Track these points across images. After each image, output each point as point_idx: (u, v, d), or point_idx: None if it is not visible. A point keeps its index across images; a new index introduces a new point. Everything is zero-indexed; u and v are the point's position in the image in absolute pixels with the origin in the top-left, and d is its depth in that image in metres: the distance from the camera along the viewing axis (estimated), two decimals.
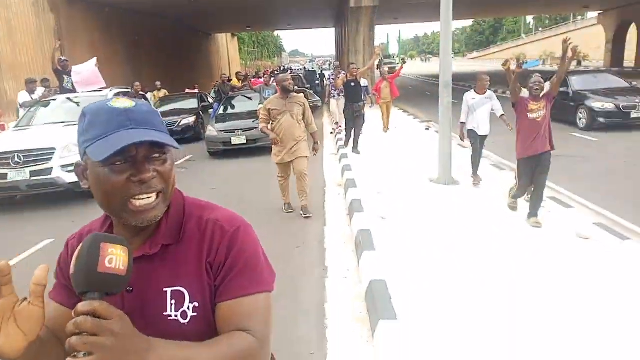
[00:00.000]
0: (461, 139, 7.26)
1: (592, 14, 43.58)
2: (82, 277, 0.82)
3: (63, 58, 9.92)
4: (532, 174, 5.16)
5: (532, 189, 5.28)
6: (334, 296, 4.06)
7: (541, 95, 5.03)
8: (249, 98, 12.64)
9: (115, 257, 0.83)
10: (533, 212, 5.19)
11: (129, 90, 9.42)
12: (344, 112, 10.59)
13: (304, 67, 46.96)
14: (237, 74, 18.12)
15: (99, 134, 0.94)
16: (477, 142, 7.00)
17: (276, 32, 79.23)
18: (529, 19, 73.50)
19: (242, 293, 1.00)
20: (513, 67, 5.88)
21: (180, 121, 13.56)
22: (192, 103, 15.14)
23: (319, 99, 16.68)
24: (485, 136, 7.03)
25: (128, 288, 0.96)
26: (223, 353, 0.93)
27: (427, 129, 12.80)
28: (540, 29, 67.04)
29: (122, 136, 0.92)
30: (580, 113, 11.63)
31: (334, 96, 13.47)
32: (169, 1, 20.73)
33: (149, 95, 15.33)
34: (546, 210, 5.49)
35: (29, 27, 15.34)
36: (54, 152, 7.35)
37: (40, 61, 15.44)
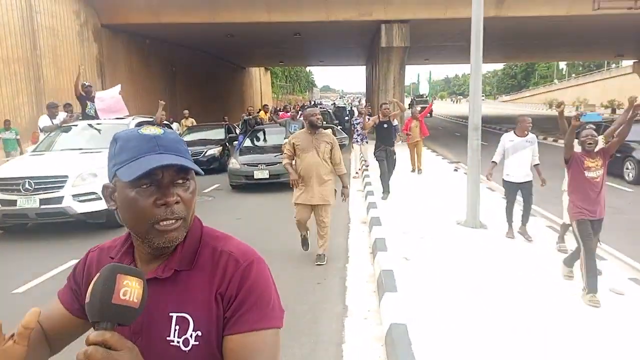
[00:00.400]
0: (487, 179, 6.87)
1: (628, 62, 43.06)
2: (95, 307, 0.84)
3: (87, 83, 9.81)
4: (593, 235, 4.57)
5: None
6: (353, 337, 3.95)
7: (595, 150, 4.58)
8: (274, 131, 12.37)
9: (130, 290, 0.85)
10: (592, 287, 4.35)
11: (153, 119, 9.41)
12: (375, 156, 9.52)
13: (334, 103, 47.52)
14: (264, 106, 18.32)
15: (129, 157, 0.99)
16: (513, 192, 6.43)
17: (308, 68, 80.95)
18: (562, 64, 73.11)
19: (252, 328, 1.00)
20: (570, 112, 5.31)
21: (206, 151, 13.69)
22: (219, 134, 15.27)
23: (346, 136, 16.06)
24: (526, 183, 6.32)
25: None
26: None
27: (455, 170, 12.67)
28: (574, 75, 66.54)
29: (151, 159, 0.98)
30: (629, 165, 11.03)
31: (356, 141, 12.01)
32: (207, 36, 21.44)
33: (174, 126, 15.51)
34: (579, 262, 5.27)
35: (73, 55, 16.08)
36: (66, 180, 7.06)
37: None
